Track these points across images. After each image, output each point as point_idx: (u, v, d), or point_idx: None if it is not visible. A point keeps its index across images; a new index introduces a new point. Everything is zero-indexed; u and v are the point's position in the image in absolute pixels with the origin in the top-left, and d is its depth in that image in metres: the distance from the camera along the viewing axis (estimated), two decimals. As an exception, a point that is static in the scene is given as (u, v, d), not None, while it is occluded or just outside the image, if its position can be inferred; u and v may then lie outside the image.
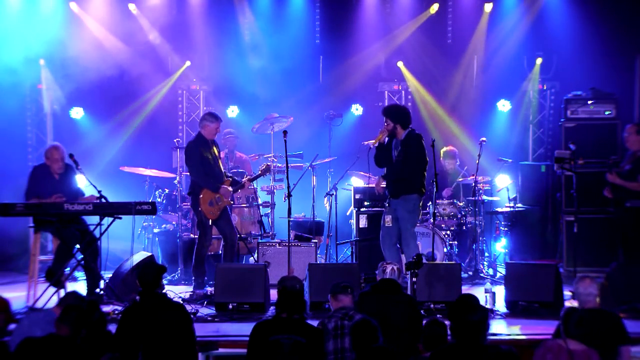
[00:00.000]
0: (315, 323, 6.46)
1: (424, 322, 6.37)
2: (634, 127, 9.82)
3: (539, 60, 13.10)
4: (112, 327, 6.58)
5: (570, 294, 9.19)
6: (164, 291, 7.01)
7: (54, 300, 8.09)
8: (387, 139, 9.49)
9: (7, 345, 6.13)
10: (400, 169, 9.28)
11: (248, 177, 10.76)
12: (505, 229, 11.75)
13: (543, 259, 11.55)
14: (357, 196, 10.94)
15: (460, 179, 11.65)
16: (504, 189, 11.83)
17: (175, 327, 6.38)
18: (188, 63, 13.42)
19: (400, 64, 13.56)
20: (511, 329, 8.11)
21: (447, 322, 5.87)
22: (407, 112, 9.61)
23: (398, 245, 9.42)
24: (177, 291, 9.66)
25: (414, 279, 8.08)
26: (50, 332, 6.12)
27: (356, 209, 10.93)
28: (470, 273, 10.82)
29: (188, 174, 10.46)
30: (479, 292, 9.01)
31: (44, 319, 6.52)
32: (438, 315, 8.34)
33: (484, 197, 11.43)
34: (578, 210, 10.17)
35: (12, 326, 6.67)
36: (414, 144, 9.31)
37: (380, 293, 6.98)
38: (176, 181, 11.55)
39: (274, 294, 9.22)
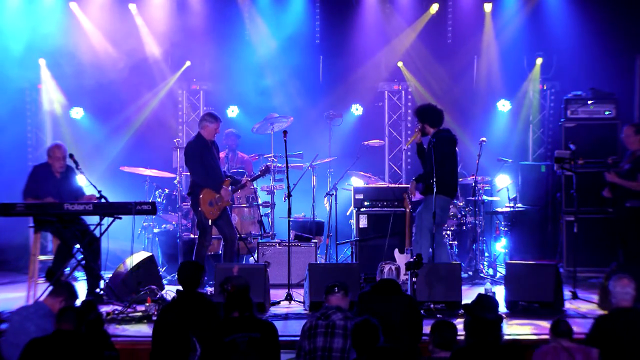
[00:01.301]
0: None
1: (432, 323, 6.32)
2: (631, 128, 9.81)
3: (539, 60, 13.09)
4: (110, 328, 6.57)
5: (570, 293, 9.24)
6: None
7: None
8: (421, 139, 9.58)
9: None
10: (426, 171, 9.28)
11: (247, 177, 10.76)
12: (505, 229, 11.75)
13: (543, 259, 11.54)
14: (357, 196, 10.93)
15: (460, 179, 11.64)
16: (504, 189, 11.83)
17: (206, 329, 6.34)
18: (188, 63, 13.42)
19: (400, 64, 13.57)
20: (511, 329, 8.10)
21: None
22: (435, 110, 9.61)
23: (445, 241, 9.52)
24: (177, 291, 9.65)
25: (414, 279, 8.08)
26: (44, 326, 6.12)
27: (356, 209, 10.93)
28: (470, 273, 10.82)
29: (188, 174, 10.46)
30: (479, 292, 9.00)
31: (35, 313, 6.48)
32: (438, 315, 8.36)
33: (484, 197, 11.44)
34: (578, 210, 10.16)
35: (4, 325, 6.63)
36: (437, 144, 9.33)
37: (380, 293, 6.97)
38: (176, 181, 11.55)
39: (274, 293, 9.30)
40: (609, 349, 6.12)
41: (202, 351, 6.21)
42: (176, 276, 10.77)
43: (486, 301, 5.74)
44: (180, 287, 6.92)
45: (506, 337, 7.67)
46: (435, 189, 9.20)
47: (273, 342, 6.20)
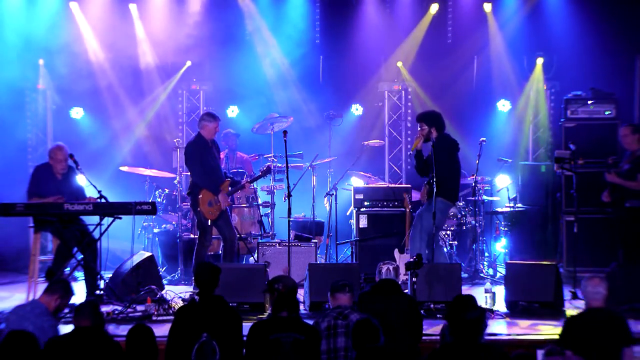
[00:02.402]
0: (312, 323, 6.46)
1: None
2: (628, 128, 9.81)
3: (540, 60, 13.08)
4: (110, 327, 6.56)
5: (570, 293, 9.23)
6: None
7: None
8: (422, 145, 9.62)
9: None
10: (431, 172, 9.31)
11: (247, 178, 10.76)
12: (505, 229, 11.74)
13: (543, 259, 11.53)
14: (357, 196, 10.93)
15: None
16: (504, 189, 11.83)
17: (224, 332, 6.30)
18: (188, 63, 13.42)
19: (400, 64, 13.57)
20: (511, 329, 8.11)
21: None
22: (440, 116, 9.79)
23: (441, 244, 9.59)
24: (177, 291, 9.63)
25: (414, 279, 8.08)
26: (41, 325, 6.09)
27: (356, 209, 10.93)
28: (471, 273, 10.82)
29: (188, 174, 10.47)
30: (479, 292, 9.02)
31: (31, 312, 6.45)
32: (439, 315, 8.36)
33: (484, 197, 11.44)
34: (578, 210, 10.16)
35: (2, 326, 6.61)
36: (444, 146, 9.46)
37: (380, 293, 6.97)
38: (176, 181, 11.56)
39: (273, 294, 9.27)
40: (579, 350, 6.07)
41: (242, 348, 6.21)
42: (174, 276, 10.88)
43: (464, 301, 5.76)
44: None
45: (506, 337, 7.73)
46: (435, 190, 9.21)
47: (316, 347, 6.17)
